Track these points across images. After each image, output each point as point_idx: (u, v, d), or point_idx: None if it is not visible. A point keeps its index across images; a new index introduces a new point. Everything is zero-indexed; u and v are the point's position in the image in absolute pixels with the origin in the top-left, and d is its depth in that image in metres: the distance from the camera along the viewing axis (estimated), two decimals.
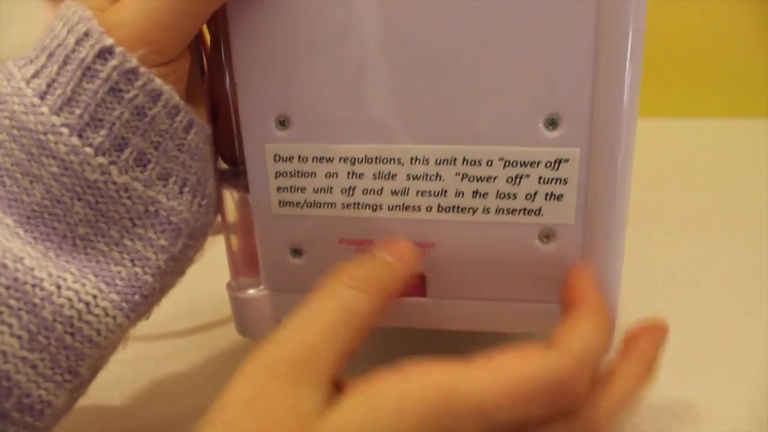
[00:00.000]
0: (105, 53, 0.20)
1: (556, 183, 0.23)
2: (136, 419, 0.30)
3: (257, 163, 0.24)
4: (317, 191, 0.24)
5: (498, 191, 0.23)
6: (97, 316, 0.21)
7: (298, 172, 0.24)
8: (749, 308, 0.35)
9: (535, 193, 0.23)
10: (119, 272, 0.22)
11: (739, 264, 0.39)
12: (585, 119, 0.22)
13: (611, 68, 0.21)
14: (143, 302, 0.22)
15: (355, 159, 0.23)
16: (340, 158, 0.24)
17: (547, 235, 0.23)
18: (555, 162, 0.22)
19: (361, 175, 0.24)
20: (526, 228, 0.23)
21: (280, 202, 0.25)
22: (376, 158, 0.23)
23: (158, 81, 0.21)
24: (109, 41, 0.20)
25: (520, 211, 0.23)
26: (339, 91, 0.23)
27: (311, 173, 0.24)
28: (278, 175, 0.24)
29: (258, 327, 0.27)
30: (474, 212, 0.23)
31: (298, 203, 0.25)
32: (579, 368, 0.20)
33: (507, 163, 0.23)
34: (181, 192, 0.22)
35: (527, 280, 0.24)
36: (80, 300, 0.21)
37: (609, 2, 0.20)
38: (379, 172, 0.23)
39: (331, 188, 0.24)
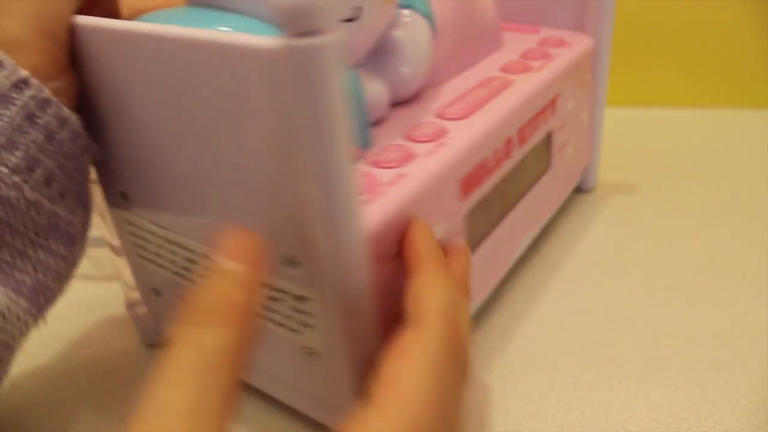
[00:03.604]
0: (20, 83, 0.22)
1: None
2: None
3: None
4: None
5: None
6: (13, 324, 0.23)
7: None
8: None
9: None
10: (24, 280, 0.23)
11: (745, 256, 0.39)
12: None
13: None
14: (47, 306, 0.24)
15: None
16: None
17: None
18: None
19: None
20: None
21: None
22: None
23: (66, 109, 0.23)
24: (24, 73, 0.22)
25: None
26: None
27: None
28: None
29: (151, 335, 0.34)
30: None
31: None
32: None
33: None
34: (75, 207, 0.25)
35: None
36: None
37: None
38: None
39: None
